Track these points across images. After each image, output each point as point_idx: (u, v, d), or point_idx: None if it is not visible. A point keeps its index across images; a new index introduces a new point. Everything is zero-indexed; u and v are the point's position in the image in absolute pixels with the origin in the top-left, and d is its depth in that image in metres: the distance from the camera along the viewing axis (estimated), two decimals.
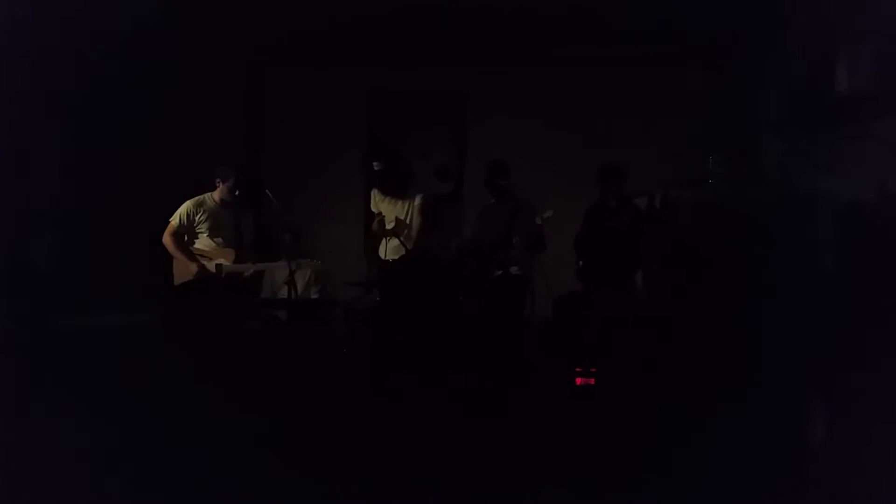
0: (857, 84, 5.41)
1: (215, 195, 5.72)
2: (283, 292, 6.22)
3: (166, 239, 5.61)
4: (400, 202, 6.08)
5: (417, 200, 6.04)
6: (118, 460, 4.08)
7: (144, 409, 4.62)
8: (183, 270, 5.64)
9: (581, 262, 5.90)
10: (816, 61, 5.72)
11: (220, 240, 5.70)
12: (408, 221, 6.03)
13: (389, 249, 6.11)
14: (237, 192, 5.66)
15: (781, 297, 4.91)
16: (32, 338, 5.09)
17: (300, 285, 6.25)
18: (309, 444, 4.57)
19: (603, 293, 5.57)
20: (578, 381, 5.35)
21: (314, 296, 6.47)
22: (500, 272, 5.92)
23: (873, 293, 4.50)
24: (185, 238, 5.66)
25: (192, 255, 5.64)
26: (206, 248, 5.70)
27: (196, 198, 5.68)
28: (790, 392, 4.49)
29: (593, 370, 5.36)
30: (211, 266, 5.65)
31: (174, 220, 5.61)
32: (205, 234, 5.69)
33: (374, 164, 6.10)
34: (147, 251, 5.84)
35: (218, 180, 5.69)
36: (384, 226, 6.02)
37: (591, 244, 5.89)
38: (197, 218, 5.66)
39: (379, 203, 6.20)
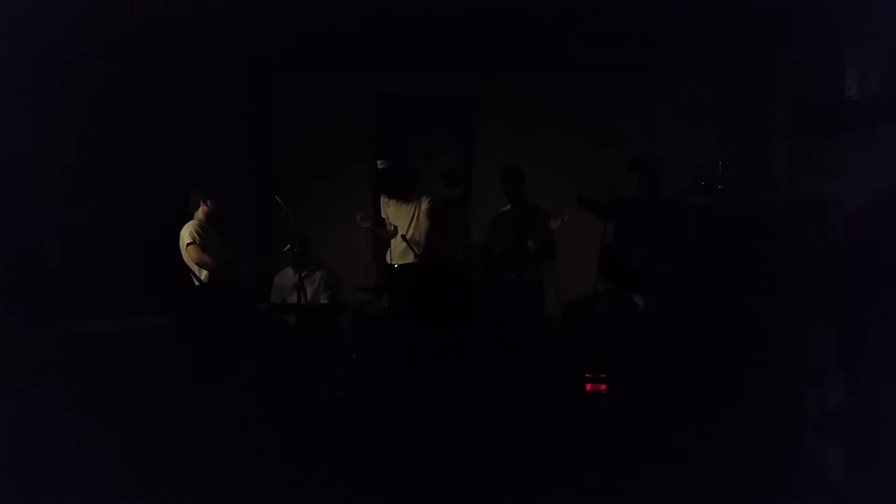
0: (865, 88, 5.40)
1: (199, 216, 5.77)
2: (293, 298, 6.23)
3: (199, 257, 5.62)
4: (405, 205, 6.09)
5: (425, 205, 6.05)
6: (124, 464, 4.12)
7: (151, 413, 4.64)
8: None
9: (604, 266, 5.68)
10: (824, 65, 5.72)
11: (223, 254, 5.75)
12: (413, 224, 6.04)
13: (397, 254, 6.12)
14: (213, 205, 5.74)
15: (790, 301, 4.91)
16: (39, 341, 5.11)
17: (309, 291, 6.26)
18: (318, 448, 4.59)
19: (622, 299, 5.51)
20: (588, 386, 5.36)
21: (323, 301, 6.47)
22: (511, 277, 5.93)
23: (882, 298, 4.50)
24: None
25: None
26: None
27: (187, 224, 5.72)
28: (799, 396, 4.50)
29: (603, 375, 5.36)
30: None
31: (192, 238, 5.62)
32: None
33: (379, 162, 6.11)
34: (154, 255, 5.85)
35: (201, 202, 5.77)
36: (383, 228, 6.07)
37: (627, 243, 5.49)
38: (200, 235, 5.70)
39: (386, 207, 6.22)
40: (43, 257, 5.56)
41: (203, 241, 5.62)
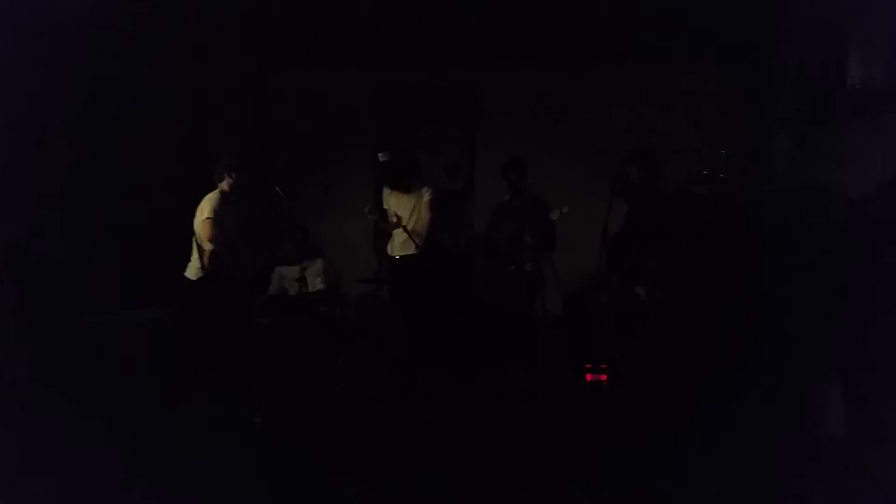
0: (867, 78, 5.39)
1: (223, 187, 5.63)
2: (294, 289, 6.23)
3: (211, 231, 5.48)
4: (407, 196, 6.08)
5: (427, 196, 6.04)
6: (123, 460, 4.11)
7: (151, 407, 4.66)
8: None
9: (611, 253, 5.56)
10: (826, 56, 5.71)
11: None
12: (415, 215, 6.03)
13: (398, 245, 6.11)
14: (237, 178, 5.61)
15: (792, 292, 4.89)
16: (39, 336, 5.13)
17: (310, 282, 6.26)
18: (319, 439, 4.60)
19: (624, 289, 5.48)
20: (589, 376, 5.36)
21: (325, 292, 6.47)
22: (512, 268, 5.92)
23: (884, 288, 4.49)
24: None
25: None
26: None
27: (209, 195, 5.61)
28: (799, 389, 4.49)
29: (604, 366, 5.36)
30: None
31: (211, 213, 5.49)
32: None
33: (380, 154, 6.10)
34: (154, 248, 5.86)
35: (226, 174, 5.64)
36: (386, 219, 6.05)
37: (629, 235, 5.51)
38: (219, 211, 5.60)
39: (388, 198, 6.22)
40: (43, 252, 5.59)
41: (220, 217, 5.51)
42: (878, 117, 5.17)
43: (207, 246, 5.53)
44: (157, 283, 5.61)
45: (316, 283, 6.43)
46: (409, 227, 5.96)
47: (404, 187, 6.10)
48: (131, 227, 5.95)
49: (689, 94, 7.06)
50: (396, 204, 6.14)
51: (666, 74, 7.17)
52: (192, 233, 5.62)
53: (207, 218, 5.49)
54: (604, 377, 5.33)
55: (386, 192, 6.25)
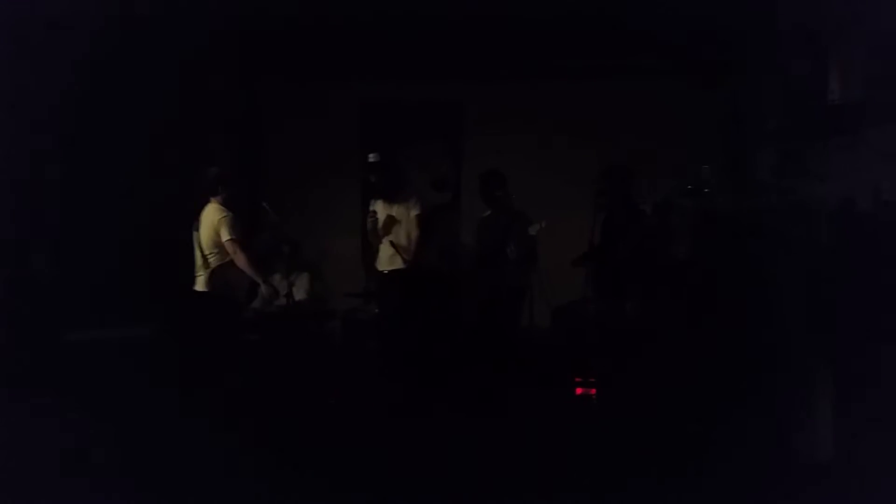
0: (850, 93, 5.46)
1: (219, 202, 5.61)
2: (282, 303, 6.22)
3: (237, 250, 5.47)
4: (395, 206, 6.08)
5: (415, 210, 6.03)
6: (120, 467, 4.15)
7: (146, 418, 4.66)
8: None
9: (590, 269, 5.76)
10: (810, 70, 5.78)
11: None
12: (402, 229, 6.02)
13: (385, 259, 6.10)
14: (229, 192, 5.61)
15: (777, 304, 4.94)
16: (36, 349, 5.10)
17: (298, 297, 6.25)
18: (307, 453, 4.58)
19: (607, 302, 5.54)
20: (578, 390, 5.37)
21: (312, 306, 6.46)
22: (495, 283, 5.92)
23: (868, 299, 4.54)
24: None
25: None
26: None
27: (223, 212, 5.54)
28: (788, 397, 4.53)
29: (593, 380, 5.37)
30: None
31: (235, 234, 5.48)
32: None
33: (370, 155, 6.08)
34: (140, 263, 5.84)
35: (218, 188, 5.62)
36: (377, 226, 6.03)
37: (609, 251, 5.66)
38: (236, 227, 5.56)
39: (376, 209, 6.22)
40: (40, 268, 5.57)
41: (239, 234, 5.48)
42: (861, 131, 5.24)
43: (212, 257, 5.49)
44: (149, 299, 5.60)
45: (300, 296, 6.42)
46: (396, 242, 5.96)
47: (391, 198, 6.09)
48: (123, 242, 5.93)
49: (673, 109, 7.12)
50: (385, 216, 6.14)
51: (650, 90, 7.23)
52: (186, 247, 5.60)
53: (232, 239, 5.44)
54: (593, 391, 5.35)
55: (373, 203, 6.24)
